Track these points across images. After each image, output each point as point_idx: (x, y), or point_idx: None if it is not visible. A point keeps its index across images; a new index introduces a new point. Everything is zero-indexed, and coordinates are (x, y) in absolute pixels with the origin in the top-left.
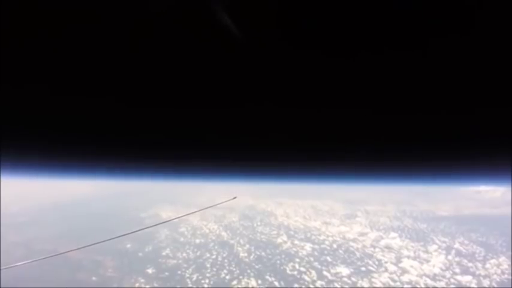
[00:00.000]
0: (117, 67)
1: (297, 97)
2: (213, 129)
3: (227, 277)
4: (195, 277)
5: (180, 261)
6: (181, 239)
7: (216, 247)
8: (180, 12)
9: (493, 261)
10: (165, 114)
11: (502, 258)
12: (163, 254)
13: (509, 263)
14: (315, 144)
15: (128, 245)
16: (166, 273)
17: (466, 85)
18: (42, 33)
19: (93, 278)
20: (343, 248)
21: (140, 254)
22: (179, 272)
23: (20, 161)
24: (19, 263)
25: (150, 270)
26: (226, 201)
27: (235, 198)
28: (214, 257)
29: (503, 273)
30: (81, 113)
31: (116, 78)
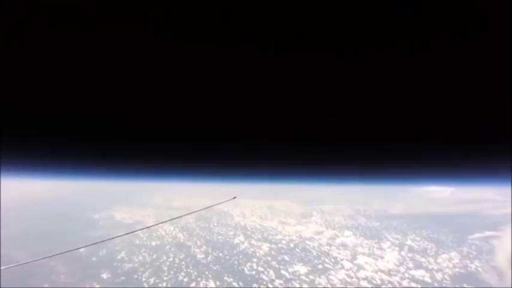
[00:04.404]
0: (107, 70)
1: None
2: (191, 132)
3: (185, 279)
4: (152, 281)
5: (136, 265)
6: (137, 242)
7: (172, 249)
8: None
9: (444, 256)
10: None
11: (453, 253)
12: (119, 257)
13: (460, 258)
14: (286, 145)
15: (81, 249)
16: (122, 278)
17: (465, 85)
18: (42, 37)
19: (45, 285)
20: (300, 247)
21: (94, 259)
22: (135, 276)
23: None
24: (19, 263)
25: (105, 275)
26: (226, 201)
27: (235, 198)
28: (171, 259)
29: (454, 266)
30: (75, 115)
31: (113, 81)
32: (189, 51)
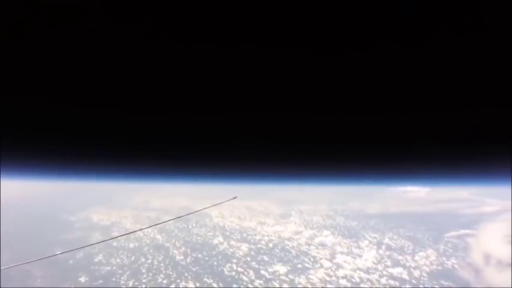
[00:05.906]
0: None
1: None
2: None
3: (164, 281)
4: (130, 283)
5: (114, 268)
6: (114, 244)
7: (151, 251)
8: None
9: (421, 253)
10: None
11: (430, 251)
12: (96, 260)
13: (437, 255)
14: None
15: (57, 252)
16: (100, 281)
17: (465, 85)
18: (42, 37)
19: None
20: (279, 247)
21: (71, 262)
22: (114, 279)
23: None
24: (19, 263)
25: (82, 279)
26: (226, 201)
27: (235, 198)
28: (149, 261)
29: (432, 264)
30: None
31: (112, 83)
32: (187, 52)
